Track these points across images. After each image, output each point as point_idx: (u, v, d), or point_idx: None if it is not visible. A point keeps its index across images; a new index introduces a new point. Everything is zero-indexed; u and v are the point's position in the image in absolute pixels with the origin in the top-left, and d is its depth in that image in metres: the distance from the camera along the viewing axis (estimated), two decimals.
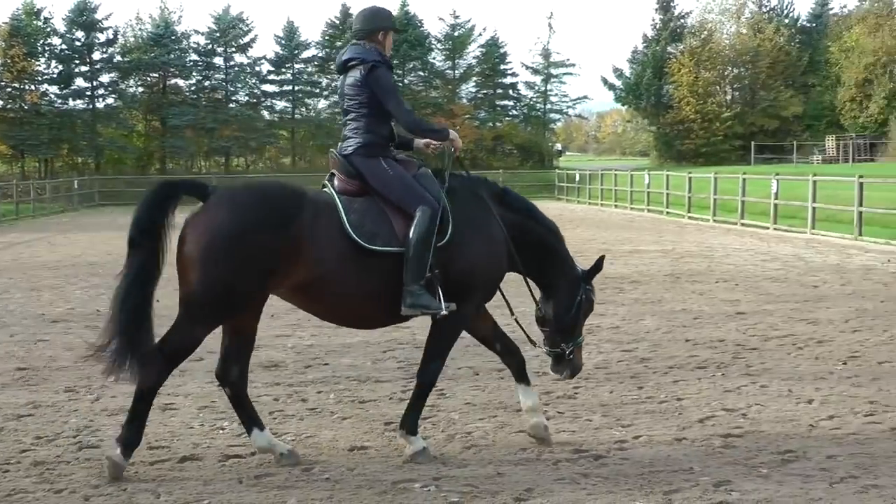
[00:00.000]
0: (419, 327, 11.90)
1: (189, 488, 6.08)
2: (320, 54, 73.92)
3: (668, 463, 6.52)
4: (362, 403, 8.29)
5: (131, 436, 6.28)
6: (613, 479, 6.20)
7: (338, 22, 73.12)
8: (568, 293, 7.25)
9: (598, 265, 7.45)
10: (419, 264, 6.48)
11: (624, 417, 7.70)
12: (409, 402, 6.93)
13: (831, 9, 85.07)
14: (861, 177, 25.32)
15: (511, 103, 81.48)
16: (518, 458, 6.69)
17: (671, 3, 79.66)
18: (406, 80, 75.10)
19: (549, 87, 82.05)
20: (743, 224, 30.80)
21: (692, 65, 74.07)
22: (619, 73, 79.64)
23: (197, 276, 6.16)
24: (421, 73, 76.45)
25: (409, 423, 6.77)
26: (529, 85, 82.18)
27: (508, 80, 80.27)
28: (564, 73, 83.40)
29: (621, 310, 13.30)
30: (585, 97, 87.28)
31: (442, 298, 6.54)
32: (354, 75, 6.81)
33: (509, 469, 6.43)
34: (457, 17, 77.81)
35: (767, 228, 28.78)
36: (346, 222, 6.45)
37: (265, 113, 74.80)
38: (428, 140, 7.09)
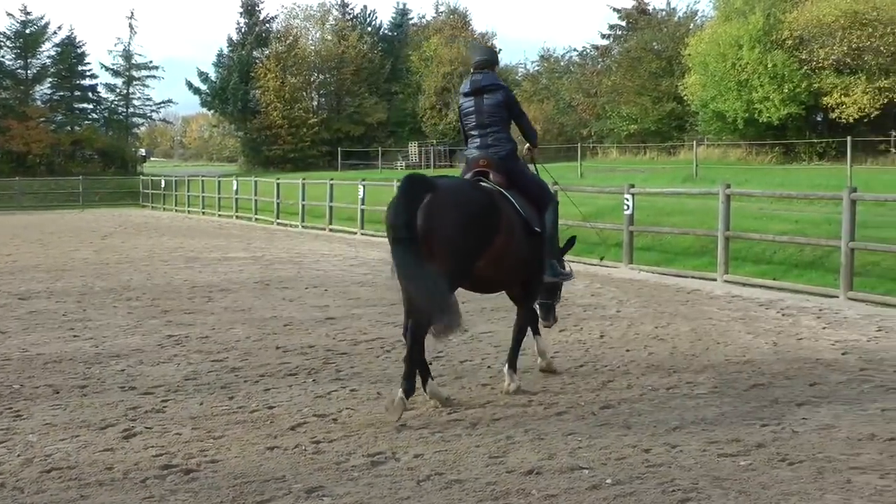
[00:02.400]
0: None
1: None
2: None
3: (260, 472, 6.44)
4: None
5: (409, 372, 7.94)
6: (205, 493, 6.05)
7: None
8: (558, 262, 9.20)
9: (570, 244, 9.78)
10: (553, 244, 8.93)
11: (215, 429, 7.52)
12: (511, 352, 8.88)
13: (411, 19, 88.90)
14: None
15: (91, 106, 78.45)
16: (104, 478, 6.35)
17: (256, 8, 79.60)
18: None
19: (131, 89, 79.72)
20: (331, 230, 31.47)
21: (278, 70, 74.48)
22: (204, 76, 78.25)
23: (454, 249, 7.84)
24: None
25: (514, 361, 8.88)
26: (111, 87, 79.56)
27: (87, 81, 77.25)
28: (148, 76, 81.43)
29: (210, 319, 13.06)
30: (170, 101, 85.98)
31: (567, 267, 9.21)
32: (496, 97, 8.77)
33: (93, 490, 6.09)
34: (28, 14, 73.72)
35: (355, 234, 29.58)
36: (519, 208, 8.43)
37: None
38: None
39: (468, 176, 8.84)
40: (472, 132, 8.93)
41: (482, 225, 7.98)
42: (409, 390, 7.79)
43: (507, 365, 8.86)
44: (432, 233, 7.69)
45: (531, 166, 9.46)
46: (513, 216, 8.34)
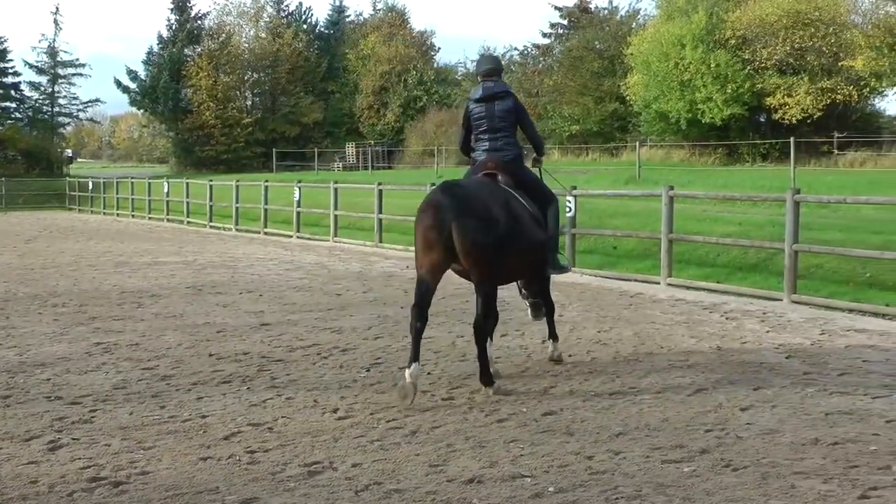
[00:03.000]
0: None
1: None
2: None
3: (192, 484, 6.27)
4: None
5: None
6: None
7: None
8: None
9: None
10: (556, 239, 9.76)
11: (146, 440, 7.31)
12: (550, 328, 10.19)
13: (348, 16, 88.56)
14: (380, 184, 26.32)
15: (14, 105, 77.54)
16: (28, 492, 6.14)
17: (187, 4, 78.60)
18: None
19: (57, 88, 78.56)
20: (266, 233, 31.18)
21: (211, 68, 73.73)
22: (133, 75, 77.11)
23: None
24: None
25: (554, 333, 10.22)
26: (35, 86, 78.53)
27: (10, 79, 76.08)
28: (74, 74, 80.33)
29: (141, 325, 12.77)
30: (98, 100, 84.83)
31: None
32: (507, 103, 9.55)
33: None
34: None
35: (291, 237, 29.32)
36: (527, 206, 9.20)
37: None
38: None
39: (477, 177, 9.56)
40: (482, 136, 9.64)
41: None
42: (488, 381, 8.84)
43: (549, 338, 10.20)
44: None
45: (536, 171, 10.21)
46: (524, 210, 9.14)
